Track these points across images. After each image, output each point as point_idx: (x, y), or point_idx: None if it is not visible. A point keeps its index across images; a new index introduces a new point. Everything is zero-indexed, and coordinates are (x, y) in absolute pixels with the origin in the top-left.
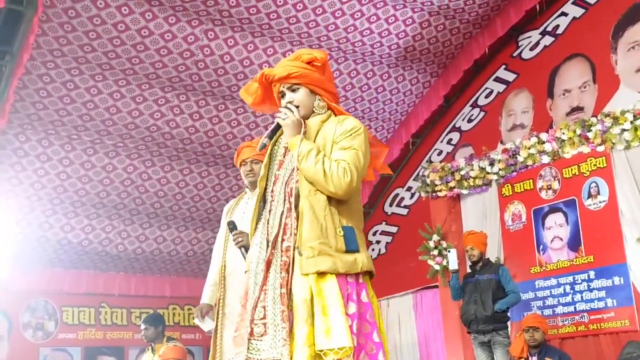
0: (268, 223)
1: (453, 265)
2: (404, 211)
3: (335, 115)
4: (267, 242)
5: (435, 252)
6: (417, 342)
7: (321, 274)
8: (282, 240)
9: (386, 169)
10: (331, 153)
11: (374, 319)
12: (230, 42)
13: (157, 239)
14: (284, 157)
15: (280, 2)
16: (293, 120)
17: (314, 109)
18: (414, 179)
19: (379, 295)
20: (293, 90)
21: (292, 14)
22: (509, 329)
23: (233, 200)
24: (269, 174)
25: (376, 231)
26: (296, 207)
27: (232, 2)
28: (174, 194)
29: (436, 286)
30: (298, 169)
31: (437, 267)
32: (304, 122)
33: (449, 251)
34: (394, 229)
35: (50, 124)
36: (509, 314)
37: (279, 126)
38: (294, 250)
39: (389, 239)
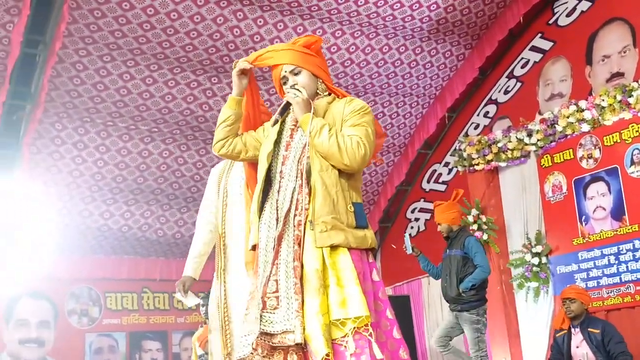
0: (277, 202)
1: (408, 249)
2: (442, 187)
3: (339, 98)
4: (277, 220)
5: (475, 226)
6: None
7: (334, 248)
8: (295, 215)
9: (377, 157)
10: (341, 130)
11: (386, 297)
12: (260, 21)
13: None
14: (291, 137)
15: None
16: (303, 99)
17: (317, 92)
18: (451, 154)
19: (419, 273)
20: (296, 74)
21: None
22: (484, 307)
23: (224, 161)
24: (277, 155)
25: (414, 208)
26: (308, 183)
27: None
28: None
29: None
30: (309, 146)
31: None
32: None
33: (405, 236)
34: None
35: (86, 111)
36: (485, 291)
37: (288, 104)
38: (305, 224)
39: (427, 215)
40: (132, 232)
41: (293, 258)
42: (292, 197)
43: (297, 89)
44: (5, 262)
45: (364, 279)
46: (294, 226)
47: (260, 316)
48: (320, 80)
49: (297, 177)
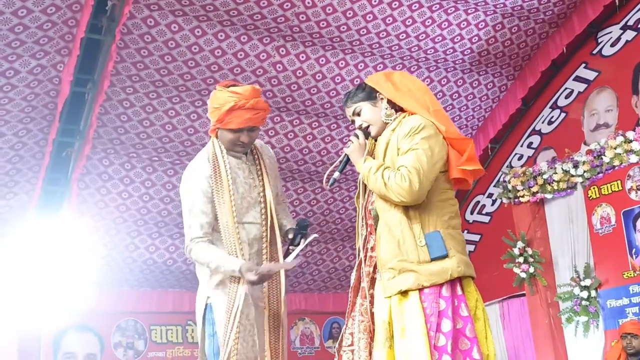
0: (358, 251)
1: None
2: (486, 219)
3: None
4: (355, 271)
5: (521, 259)
6: (506, 353)
7: (404, 293)
8: (365, 265)
9: (473, 163)
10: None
11: (474, 334)
12: (302, 57)
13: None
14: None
15: (349, 14)
16: (356, 145)
17: (384, 120)
18: (494, 185)
19: None
20: (358, 114)
21: (362, 25)
22: None
23: (206, 163)
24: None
25: None
26: (376, 229)
27: (302, 18)
28: None
29: (523, 294)
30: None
31: (523, 275)
32: (367, 142)
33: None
34: (476, 237)
35: (132, 147)
36: None
37: (348, 157)
38: (373, 274)
39: (471, 247)
40: (176, 265)
41: (361, 312)
42: (363, 245)
43: (355, 135)
44: (54, 295)
45: (442, 319)
46: (363, 277)
47: None
48: (385, 106)
49: (364, 225)
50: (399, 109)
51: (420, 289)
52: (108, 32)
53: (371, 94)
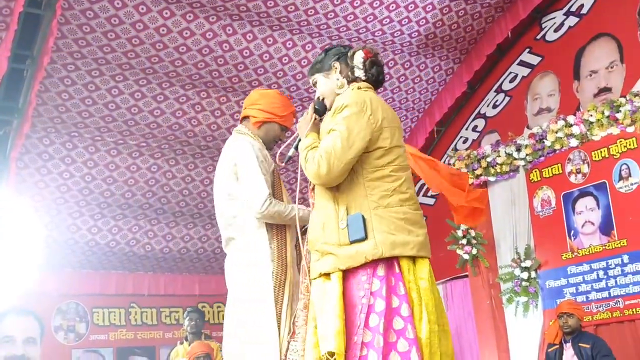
0: None
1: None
2: (431, 201)
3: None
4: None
5: (464, 241)
6: None
7: (327, 275)
8: (305, 244)
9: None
10: None
11: (409, 313)
12: (249, 36)
13: (184, 237)
14: None
15: None
16: (301, 120)
17: (337, 93)
18: None
19: None
20: (315, 85)
21: (310, 6)
22: None
23: (254, 146)
24: None
25: None
26: None
27: None
28: (199, 192)
29: (466, 276)
30: None
31: (466, 257)
32: (316, 118)
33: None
34: None
35: (74, 126)
36: None
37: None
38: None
39: None
40: (119, 247)
41: (301, 290)
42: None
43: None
44: None
45: (376, 299)
46: (303, 256)
47: (288, 344)
48: (338, 77)
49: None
50: (352, 79)
51: (349, 271)
52: (48, 6)
53: (325, 64)
